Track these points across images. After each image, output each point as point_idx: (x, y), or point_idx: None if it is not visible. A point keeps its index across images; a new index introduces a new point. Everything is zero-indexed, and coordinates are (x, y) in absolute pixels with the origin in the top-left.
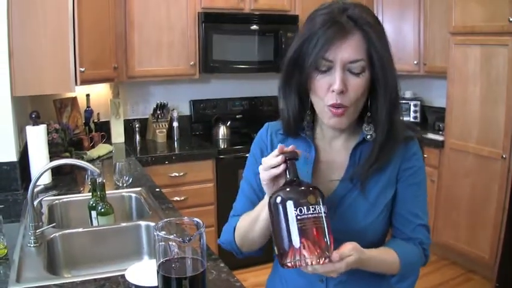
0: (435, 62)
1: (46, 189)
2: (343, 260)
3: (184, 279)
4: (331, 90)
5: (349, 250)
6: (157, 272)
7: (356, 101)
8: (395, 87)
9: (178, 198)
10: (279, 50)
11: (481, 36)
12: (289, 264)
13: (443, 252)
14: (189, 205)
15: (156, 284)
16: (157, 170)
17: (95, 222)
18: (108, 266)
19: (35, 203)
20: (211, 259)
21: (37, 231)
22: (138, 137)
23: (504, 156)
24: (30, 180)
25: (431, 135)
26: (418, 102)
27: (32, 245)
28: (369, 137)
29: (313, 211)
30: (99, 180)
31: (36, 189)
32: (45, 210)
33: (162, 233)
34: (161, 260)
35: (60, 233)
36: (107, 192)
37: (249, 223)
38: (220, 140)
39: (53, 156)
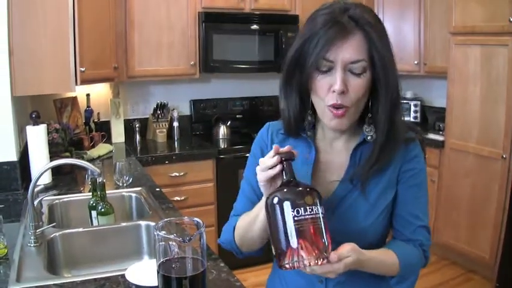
0: (435, 62)
1: (46, 189)
2: (341, 260)
3: (184, 279)
4: (331, 90)
5: (348, 251)
6: (158, 272)
7: (357, 101)
8: (397, 88)
9: (178, 198)
10: (279, 50)
11: (481, 36)
12: (287, 266)
13: (443, 252)
14: (189, 205)
15: (156, 284)
16: (158, 169)
17: (95, 222)
18: (108, 266)
19: (35, 202)
20: (211, 259)
21: (37, 231)
22: (138, 137)
23: (504, 156)
24: (30, 180)
25: (431, 135)
26: (418, 102)
27: (32, 245)
28: (369, 138)
29: (310, 212)
30: (99, 180)
31: (36, 189)
32: (45, 210)
33: (162, 233)
34: (161, 260)
35: (61, 232)
36: (107, 192)
37: (248, 223)
38: (221, 140)
39: (53, 156)
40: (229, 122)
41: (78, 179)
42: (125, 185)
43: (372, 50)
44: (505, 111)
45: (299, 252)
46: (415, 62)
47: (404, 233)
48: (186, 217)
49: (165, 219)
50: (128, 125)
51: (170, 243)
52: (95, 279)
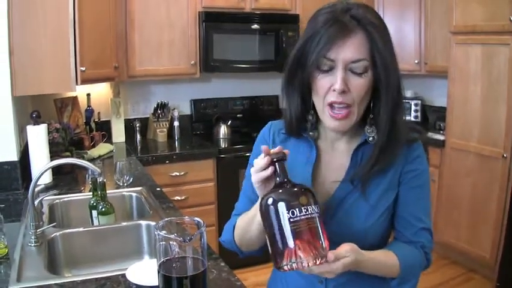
0: (436, 62)
1: (47, 188)
2: (339, 260)
3: (185, 279)
4: (332, 89)
5: (346, 251)
6: (158, 272)
7: (359, 101)
8: (398, 89)
9: (178, 198)
10: (279, 50)
11: (482, 36)
12: (285, 268)
13: (444, 252)
14: (189, 204)
15: (157, 284)
16: (158, 169)
17: (95, 222)
18: (108, 266)
19: (36, 202)
20: (211, 258)
21: (38, 230)
22: (138, 137)
23: (505, 155)
24: (30, 180)
25: (432, 135)
26: (419, 102)
27: (32, 245)
28: (371, 139)
29: (305, 212)
30: (99, 179)
31: (36, 189)
32: (45, 209)
33: (163, 233)
34: (162, 260)
35: (61, 232)
36: (107, 191)
37: (246, 223)
38: (221, 140)
39: (53, 155)
40: (229, 122)
41: (78, 179)
42: (125, 184)
43: (374, 49)
44: (506, 111)
45: (297, 253)
46: (416, 62)
47: (405, 234)
48: (186, 217)
49: (166, 219)
50: (129, 124)
51: (171, 242)
52: (95, 278)
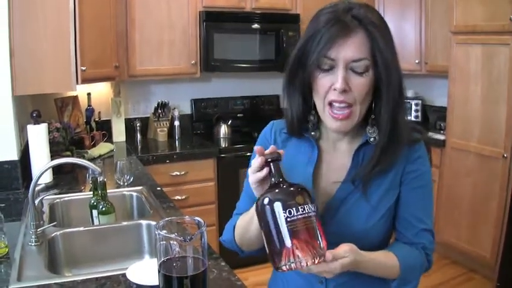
0: (437, 61)
1: (47, 188)
2: (337, 260)
3: (185, 278)
4: (332, 88)
5: (345, 251)
6: (159, 271)
7: (360, 100)
8: (400, 89)
9: (179, 197)
10: (280, 49)
11: (482, 36)
12: (284, 268)
13: (444, 252)
14: (190, 204)
15: (157, 283)
16: (158, 168)
17: (96, 221)
18: (109, 265)
19: (36, 201)
20: (212, 258)
21: (38, 230)
22: (139, 136)
23: (505, 155)
24: (31, 179)
25: (432, 135)
26: (420, 102)
27: (33, 244)
28: (372, 139)
29: (302, 211)
30: (100, 179)
31: (37, 188)
32: (46, 209)
33: (163, 232)
34: (162, 259)
35: (61, 231)
36: (108, 191)
37: (246, 223)
38: (221, 139)
39: (54, 155)
40: (230, 121)
41: (79, 178)
42: (125, 184)
43: (375, 49)
44: (506, 111)
45: (295, 253)
46: (416, 61)
47: (407, 235)
48: (187, 216)
49: (166, 219)
50: (129, 124)
51: (171, 242)
52: (95, 278)
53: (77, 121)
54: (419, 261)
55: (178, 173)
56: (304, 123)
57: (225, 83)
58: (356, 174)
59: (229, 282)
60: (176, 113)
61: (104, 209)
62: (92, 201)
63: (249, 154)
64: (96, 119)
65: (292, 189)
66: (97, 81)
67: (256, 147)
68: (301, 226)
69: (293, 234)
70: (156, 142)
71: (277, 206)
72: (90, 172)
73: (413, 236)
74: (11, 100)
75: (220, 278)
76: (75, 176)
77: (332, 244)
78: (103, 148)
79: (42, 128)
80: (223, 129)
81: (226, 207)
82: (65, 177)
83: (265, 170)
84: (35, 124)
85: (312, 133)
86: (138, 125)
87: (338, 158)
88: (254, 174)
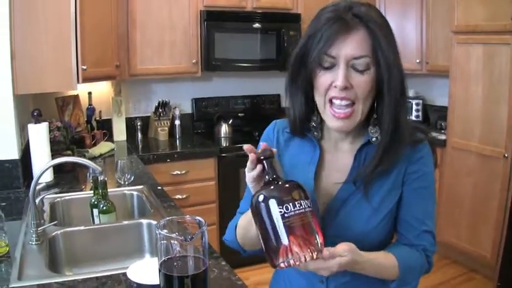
0: (437, 61)
1: (48, 187)
2: (335, 258)
3: (186, 278)
4: (333, 86)
5: (344, 250)
6: (159, 271)
7: (363, 98)
8: (402, 88)
9: (180, 197)
10: (281, 49)
11: (483, 35)
12: (282, 265)
13: (444, 251)
14: (191, 203)
15: (158, 283)
16: (159, 168)
17: (96, 220)
18: (109, 264)
19: (37, 200)
20: (213, 257)
21: (39, 229)
22: (140, 135)
23: (506, 155)
24: (32, 178)
25: (433, 134)
26: (420, 101)
27: (33, 243)
28: (374, 139)
29: (299, 207)
30: (101, 178)
31: (38, 187)
32: (47, 208)
33: (164, 232)
34: (163, 259)
35: (62, 230)
36: (108, 190)
37: (246, 223)
38: (222, 138)
39: (54, 154)
40: (231, 121)
41: (79, 177)
42: (126, 183)
43: (376, 47)
44: (507, 111)
45: (292, 249)
46: (417, 61)
47: (407, 237)
48: (187, 216)
49: (167, 218)
50: (130, 123)
51: (172, 241)
52: (96, 277)
53: (78, 120)
54: (419, 262)
55: (179, 172)
56: (307, 123)
57: (226, 82)
58: (358, 175)
59: (230, 281)
60: (177, 112)
61: (104, 208)
62: (93, 200)
63: None
64: (97, 118)
65: (287, 185)
66: (98, 80)
67: (245, 146)
68: (298, 222)
69: (289, 230)
70: (157, 141)
71: (272, 202)
72: (91, 171)
73: (414, 237)
74: (12, 99)
75: (220, 277)
76: (76, 175)
77: (332, 245)
78: (104, 147)
79: (43, 127)
80: (224, 129)
81: (227, 207)
82: (66, 176)
83: (259, 168)
84: (35, 123)
85: (315, 133)
86: (138, 124)
87: (340, 159)
88: (249, 172)
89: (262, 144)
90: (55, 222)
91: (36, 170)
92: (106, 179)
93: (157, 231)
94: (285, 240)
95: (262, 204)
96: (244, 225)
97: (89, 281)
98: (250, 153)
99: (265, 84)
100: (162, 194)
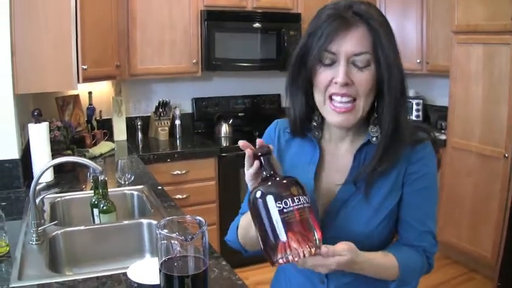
0: (438, 61)
1: (48, 186)
2: (334, 257)
3: (186, 278)
4: (334, 82)
5: (343, 249)
6: (160, 271)
7: (364, 95)
8: (402, 87)
9: (180, 196)
10: (281, 48)
11: (483, 35)
12: (281, 261)
13: (445, 251)
14: (191, 203)
15: (158, 282)
16: (160, 167)
17: (97, 220)
18: (110, 264)
19: (37, 200)
20: (213, 257)
21: (39, 228)
22: (140, 135)
23: (506, 155)
24: (32, 178)
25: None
26: (421, 101)
27: (33, 243)
28: (374, 139)
29: (298, 202)
30: (101, 177)
31: (38, 187)
32: (47, 207)
33: (164, 231)
34: (163, 259)
35: (62, 230)
36: (109, 190)
37: (247, 223)
38: (223, 138)
39: (55, 153)
40: (231, 120)
41: (80, 177)
42: (126, 183)
43: (376, 44)
44: (507, 111)
45: (290, 245)
46: (418, 61)
47: (408, 238)
48: (188, 215)
49: (167, 218)
50: (130, 123)
51: (172, 241)
52: (96, 277)
53: (78, 120)
54: (419, 263)
55: (179, 172)
56: (307, 123)
57: (226, 82)
58: (358, 175)
59: (230, 281)
60: (177, 112)
61: (104, 207)
62: (93, 200)
63: None
64: (97, 118)
65: (285, 181)
66: (98, 80)
67: (240, 142)
68: (296, 217)
69: (288, 226)
70: (157, 141)
71: (270, 198)
72: (91, 171)
73: (414, 238)
74: (12, 99)
75: (221, 277)
76: (76, 174)
77: (322, 233)
78: (104, 147)
79: (43, 126)
80: (224, 128)
81: (227, 207)
82: (66, 176)
83: (256, 164)
84: (36, 123)
85: (315, 133)
86: (139, 123)
87: (340, 159)
88: (247, 170)
89: (258, 141)
90: (55, 222)
91: (36, 170)
92: (106, 178)
93: (157, 231)
94: (283, 236)
95: (260, 200)
96: (244, 225)
97: (89, 280)
98: (246, 149)
99: (265, 84)
100: (163, 193)
